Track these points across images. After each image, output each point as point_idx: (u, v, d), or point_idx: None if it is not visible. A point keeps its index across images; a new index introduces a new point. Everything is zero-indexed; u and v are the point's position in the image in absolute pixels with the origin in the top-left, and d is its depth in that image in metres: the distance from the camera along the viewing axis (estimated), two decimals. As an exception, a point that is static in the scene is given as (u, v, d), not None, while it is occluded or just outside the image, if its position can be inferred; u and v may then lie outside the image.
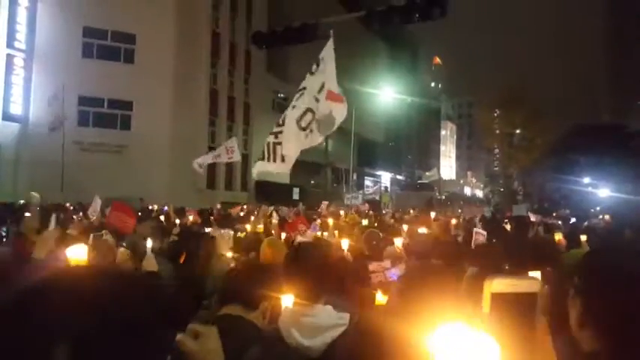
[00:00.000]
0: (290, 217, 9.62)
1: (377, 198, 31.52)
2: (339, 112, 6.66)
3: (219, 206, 15.46)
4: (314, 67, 6.94)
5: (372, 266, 3.64)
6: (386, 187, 51.97)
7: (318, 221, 7.29)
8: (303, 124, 6.70)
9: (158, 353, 0.76)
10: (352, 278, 3.50)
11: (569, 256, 4.56)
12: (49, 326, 0.64)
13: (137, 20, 23.16)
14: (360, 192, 26.83)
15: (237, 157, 13.13)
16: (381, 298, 2.85)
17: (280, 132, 6.78)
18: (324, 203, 13.80)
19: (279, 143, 6.71)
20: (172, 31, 23.79)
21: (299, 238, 5.41)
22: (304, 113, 6.75)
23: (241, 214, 12.39)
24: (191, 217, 9.61)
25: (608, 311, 1.18)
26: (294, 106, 6.89)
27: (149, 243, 2.61)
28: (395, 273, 3.51)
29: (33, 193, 7.16)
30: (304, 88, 6.91)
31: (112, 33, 23.51)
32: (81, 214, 9.22)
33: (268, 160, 6.80)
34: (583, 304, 1.24)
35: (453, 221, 7.55)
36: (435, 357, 0.66)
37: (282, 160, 6.73)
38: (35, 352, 0.63)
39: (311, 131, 6.72)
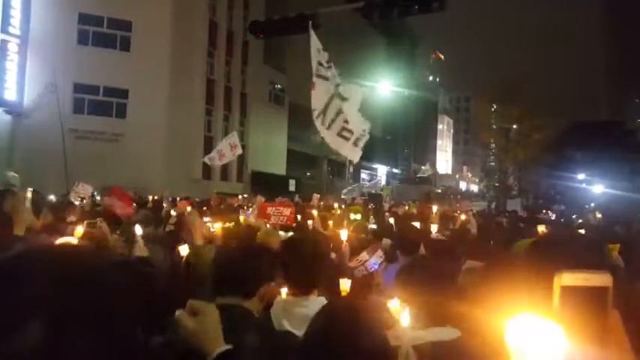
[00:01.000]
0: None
1: (375, 191, 31.62)
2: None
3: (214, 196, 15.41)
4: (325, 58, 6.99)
5: (352, 263, 3.66)
6: (387, 181, 52.11)
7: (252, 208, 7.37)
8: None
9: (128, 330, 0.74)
10: (347, 270, 3.48)
11: (518, 246, 4.61)
12: (22, 298, 0.63)
13: (133, 7, 22.93)
14: (356, 185, 26.85)
15: (239, 150, 13.82)
16: (345, 286, 2.87)
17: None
18: (315, 196, 13.85)
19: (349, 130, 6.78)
20: (169, 19, 23.58)
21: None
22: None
23: (235, 205, 12.35)
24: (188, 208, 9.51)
25: None
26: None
27: (139, 230, 2.59)
28: (375, 262, 3.52)
29: (12, 173, 7.12)
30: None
31: (108, 20, 23.26)
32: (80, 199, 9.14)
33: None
34: None
35: (463, 216, 7.53)
36: (510, 346, 0.73)
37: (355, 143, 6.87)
38: (6, 323, 0.61)
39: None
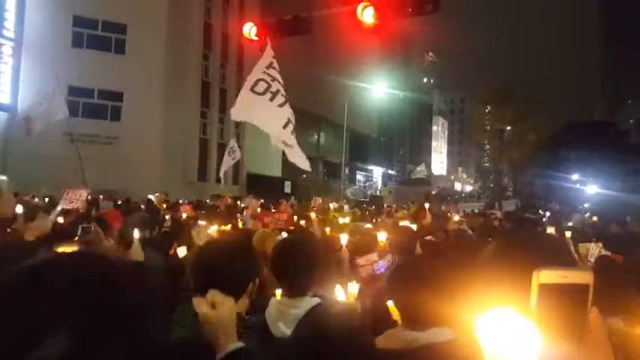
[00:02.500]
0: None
1: (372, 192, 31.74)
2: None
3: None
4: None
5: (361, 260, 3.65)
6: (385, 182, 52.13)
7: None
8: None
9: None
10: (338, 271, 3.50)
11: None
12: (43, 311, 0.63)
13: (128, 10, 22.88)
14: (359, 186, 26.84)
15: (238, 154, 14.20)
16: (353, 289, 2.87)
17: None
18: (316, 198, 13.87)
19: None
20: (164, 22, 23.55)
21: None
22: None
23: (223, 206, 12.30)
24: (184, 215, 9.47)
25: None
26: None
27: (136, 233, 2.59)
28: (383, 266, 3.52)
29: (2, 177, 7.07)
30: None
31: (103, 23, 23.22)
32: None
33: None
34: None
35: (456, 217, 7.60)
36: (481, 340, 0.71)
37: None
38: (28, 337, 0.61)
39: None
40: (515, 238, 1.48)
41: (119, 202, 12.68)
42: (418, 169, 37.52)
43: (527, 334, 0.72)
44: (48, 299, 0.64)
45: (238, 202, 12.95)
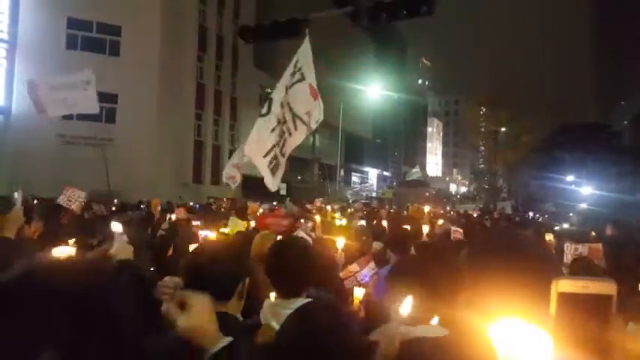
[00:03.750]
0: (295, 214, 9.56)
1: (367, 194, 31.88)
2: (317, 109, 6.43)
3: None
4: (294, 74, 6.57)
5: (343, 273, 3.59)
6: (389, 184, 52.22)
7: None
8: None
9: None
10: (336, 272, 3.51)
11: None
12: (31, 323, 0.63)
13: (123, 12, 22.83)
14: (359, 187, 26.90)
15: (247, 158, 13.98)
16: (358, 294, 2.85)
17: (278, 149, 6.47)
18: (318, 200, 13.85)
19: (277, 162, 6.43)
20: (159, 24, 23.51)
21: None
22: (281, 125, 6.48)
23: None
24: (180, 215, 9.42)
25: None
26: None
27: (118, 227, 2.52)
28: (367, 274, 3.45)
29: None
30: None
31: (97, 24, 23.15)
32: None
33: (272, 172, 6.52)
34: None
35: (440, 221, 7.65)
36: (496, 349, 0.69)
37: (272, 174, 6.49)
38: (17, 351, 0.61)
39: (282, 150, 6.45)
40: (485, 245, 1.47)
41: (113, 209, 12.57)
42: (413, 170, 37.67)
43: (541, 346, 0.68)
44: (29, 315, 0.63)
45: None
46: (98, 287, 0.73)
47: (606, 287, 0.82)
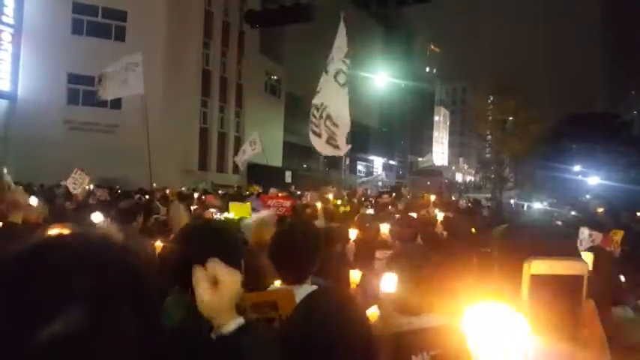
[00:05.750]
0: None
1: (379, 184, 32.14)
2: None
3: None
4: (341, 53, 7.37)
5: (379, 253, 3.59)
6: (387, 174, 52.24)
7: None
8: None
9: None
10: (341, 260, 3.47)
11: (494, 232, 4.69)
12: (54, 288, 0.62)
13: (128, -3, 22.71)
14: (372, 177, 26.90)
15: (259, 148, 14.61)
16: (355, 276, 2.85)
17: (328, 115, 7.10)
18: (327, 188, 13.81)
19: (336, 126, 7.07)
20: (164, 9, 23.35)
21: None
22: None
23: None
24: (211, 202, 9.37)
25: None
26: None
27: (97, 217, 2.47)
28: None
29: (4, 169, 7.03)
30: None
31: (103, 9, 23.04)
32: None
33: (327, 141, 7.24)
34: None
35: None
36: (467, 334, 0.68)
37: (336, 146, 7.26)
38: (42, 313, 0.59)
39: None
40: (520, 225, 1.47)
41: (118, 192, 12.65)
42: (425, 158, 37.66)
43: (516, 328, 0.66)
44: (52, 280, 0.63)
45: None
46: (121, 254, 0.72)
47: (577, 267, 0.82)
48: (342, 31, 7.81)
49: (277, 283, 2.18)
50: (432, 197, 10.48)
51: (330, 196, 13.18)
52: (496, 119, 45.99)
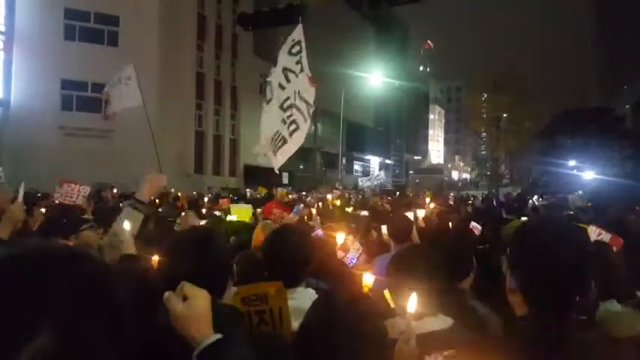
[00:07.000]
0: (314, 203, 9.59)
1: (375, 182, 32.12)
2: (312, 97, 6.59)
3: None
4: (293, 47, 6.71)
5: (379, 258, 3.60)
6: (407, 172, 52.21)
7: (301, 205, 7.32)
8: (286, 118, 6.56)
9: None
10: (337, 260, 3.47)
11: (508, 227, 4.74)
12: (28, 301, 0.61)
13: (120, 2, 22.62)
14: (371, 176, 26.85)
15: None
16: (368, 280, 2.83)
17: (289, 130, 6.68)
18: (327, 189, 13.82)
19: (284, 140, 6.63)
20: (157, 13, 23.28)
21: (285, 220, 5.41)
22: (287, 105, 6.60)
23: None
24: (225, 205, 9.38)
25: (532, 282, 1.36)
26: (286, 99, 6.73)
27: (127, 225, 2.47)
28: (353, 257, 3.47)
29: None
30: (288, 70, 6.74)
31: (95, 15, 22.95)
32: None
33: (274, 151, 6.76)
34: (513, 274, 1.45)
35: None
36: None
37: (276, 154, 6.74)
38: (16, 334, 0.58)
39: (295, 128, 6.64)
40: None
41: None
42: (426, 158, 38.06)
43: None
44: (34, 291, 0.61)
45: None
46: (99, 271, 0.71)
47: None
48: (299, 33, 6.91)
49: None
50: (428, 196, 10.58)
51: (329, 196, 13.23)
52: (491, 116, 46.17)
